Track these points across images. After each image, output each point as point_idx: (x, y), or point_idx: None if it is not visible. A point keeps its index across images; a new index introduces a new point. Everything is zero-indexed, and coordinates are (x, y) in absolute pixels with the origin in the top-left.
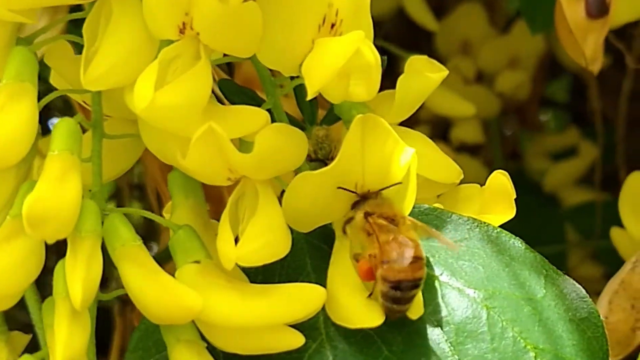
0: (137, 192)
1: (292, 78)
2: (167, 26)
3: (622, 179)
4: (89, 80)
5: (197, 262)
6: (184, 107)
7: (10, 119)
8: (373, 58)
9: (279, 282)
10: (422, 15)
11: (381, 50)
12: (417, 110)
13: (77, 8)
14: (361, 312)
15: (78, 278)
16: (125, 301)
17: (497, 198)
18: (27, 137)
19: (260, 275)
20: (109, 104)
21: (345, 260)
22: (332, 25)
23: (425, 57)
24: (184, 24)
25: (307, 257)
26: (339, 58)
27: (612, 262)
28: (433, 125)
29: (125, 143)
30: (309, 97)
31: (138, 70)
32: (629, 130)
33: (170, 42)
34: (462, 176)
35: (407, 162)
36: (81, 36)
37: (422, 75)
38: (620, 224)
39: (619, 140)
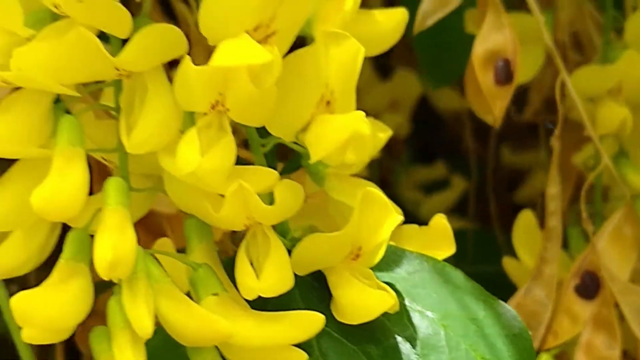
0: None
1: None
2: (202, 103)
3: (492, 210)
4: (132, 145)
5: (216, 294)
6: (223, 170)
7: (68, 179)
8: (369, 133)
9: (272, 310)
10: None
11: None
12: None
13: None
14: (375, 302)
15: (143, 311)
16: None
17: (439, 237)
18: (82, 193)
19: (257, 305)
20: (131, 162)
21: (345, 277)
22: (328, 103)
23: None
24: (217, 101)
25: (296, 288)
26: (344, 132)
27: (483, 286)
28: None
29: (142, 195)
30: (312, 161)
31: (170, 136)
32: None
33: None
34: (402, 218)
35: (393, 229)
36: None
37: None
38: (490, 252)
39: (489, 175)
